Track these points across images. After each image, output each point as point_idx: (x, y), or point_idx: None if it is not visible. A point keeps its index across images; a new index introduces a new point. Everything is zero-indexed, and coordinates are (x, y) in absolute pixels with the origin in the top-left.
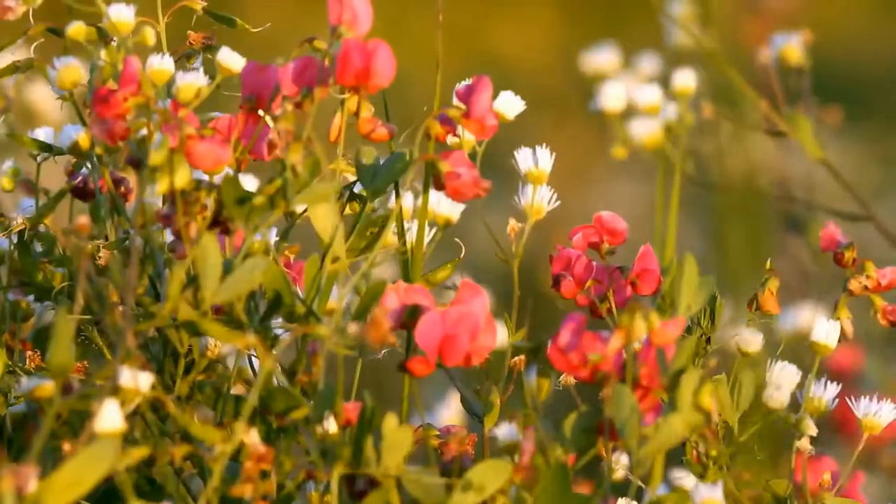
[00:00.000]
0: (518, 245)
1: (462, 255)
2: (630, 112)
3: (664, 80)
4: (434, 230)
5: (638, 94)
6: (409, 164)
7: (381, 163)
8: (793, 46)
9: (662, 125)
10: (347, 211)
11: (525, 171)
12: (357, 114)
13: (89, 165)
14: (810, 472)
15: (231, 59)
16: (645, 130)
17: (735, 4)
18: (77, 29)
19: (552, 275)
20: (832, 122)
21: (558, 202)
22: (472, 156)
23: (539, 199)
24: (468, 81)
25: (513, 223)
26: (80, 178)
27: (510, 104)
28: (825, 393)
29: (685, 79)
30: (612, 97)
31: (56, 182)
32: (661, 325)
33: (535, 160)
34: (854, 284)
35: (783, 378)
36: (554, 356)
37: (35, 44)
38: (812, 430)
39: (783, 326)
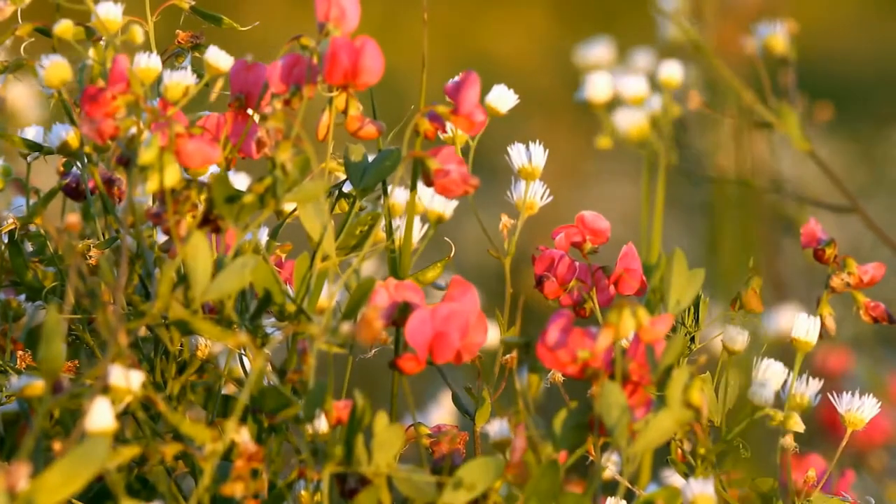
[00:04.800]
0: (510, 242)
1: (452, 254)
2: (616, 103)
3: (655, 77)
4: (426, 226)
5: (623, 85)
6: (398, 162)
7: (370, 161)
8: (777, 36)
9: (648, 116)
10: (336, 210)
11: (518, 167)
12: (345, 112)
13: (79, 165)
14: (797, 471)
15: (219, 58)
16: (630, 121)
17: (722, 2)
18: (65, 27)
19: (535, 275)
20: (822, 118)
21: (551, 198)
22: (465, 151)
23: (532, 194)
24: (457, 78)
25: (505, 219)
26: (71, 178)
27: (502, 98)
28: (808, 390)
29: (671, 70)
30: (597, 87)
31: (47, 181)
32: (650, 321)
33: (528, 156)
34: (836, 281)
35: (768, 376)
36: (542, 353)
37: (24, 44)
38: (800, 426)
39: (769, 325)
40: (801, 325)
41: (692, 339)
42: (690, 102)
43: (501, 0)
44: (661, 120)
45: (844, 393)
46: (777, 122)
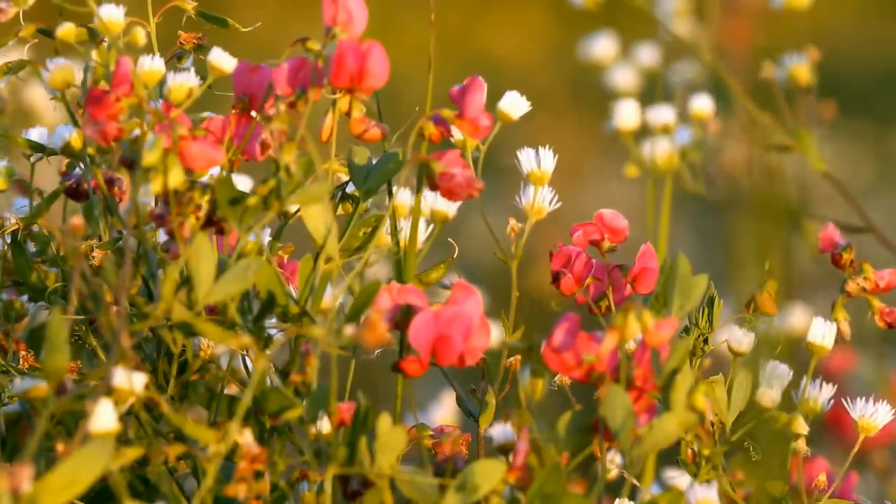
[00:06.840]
0: (518, 245)
1: (455, 256)
2: (643, 131)
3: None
4: (431, 227)
5: (652, 115)
6: (402, 165)
7: (374, 163)
8: (801, 66)
9: (675, 147)
10: (340, 211)
11: (527, 171)
12: (349, 114)
13: (82, 166)
14: (804, 473)
15: (222, 60)
16: (659, 151)
17: (724, 3)
18: (67, 30)
19: (551, 271)
20: (827, 116)
21: (559, 203)
22: (475, 155)
23: (540, 199)
24: (463, 83)
25: (513, 223)
26: (73, 179)
27: (515, 104)
28: (820, 394)
29: (701, 103)
30: (625, 116)
31: (50, 182)
32: (655, 325)
33: (537, 161)
34: (851, 286)
35: (775, 377)
36: (548, 356)
37: (28, 45)
38: (804, 429)
39: (780, 327)
40: (816, 329)
41: (705, 341)
42: (710, 128)
43: (501, 0)
44: (690, 152)
45: (849, 393)
46: (794, 144)
